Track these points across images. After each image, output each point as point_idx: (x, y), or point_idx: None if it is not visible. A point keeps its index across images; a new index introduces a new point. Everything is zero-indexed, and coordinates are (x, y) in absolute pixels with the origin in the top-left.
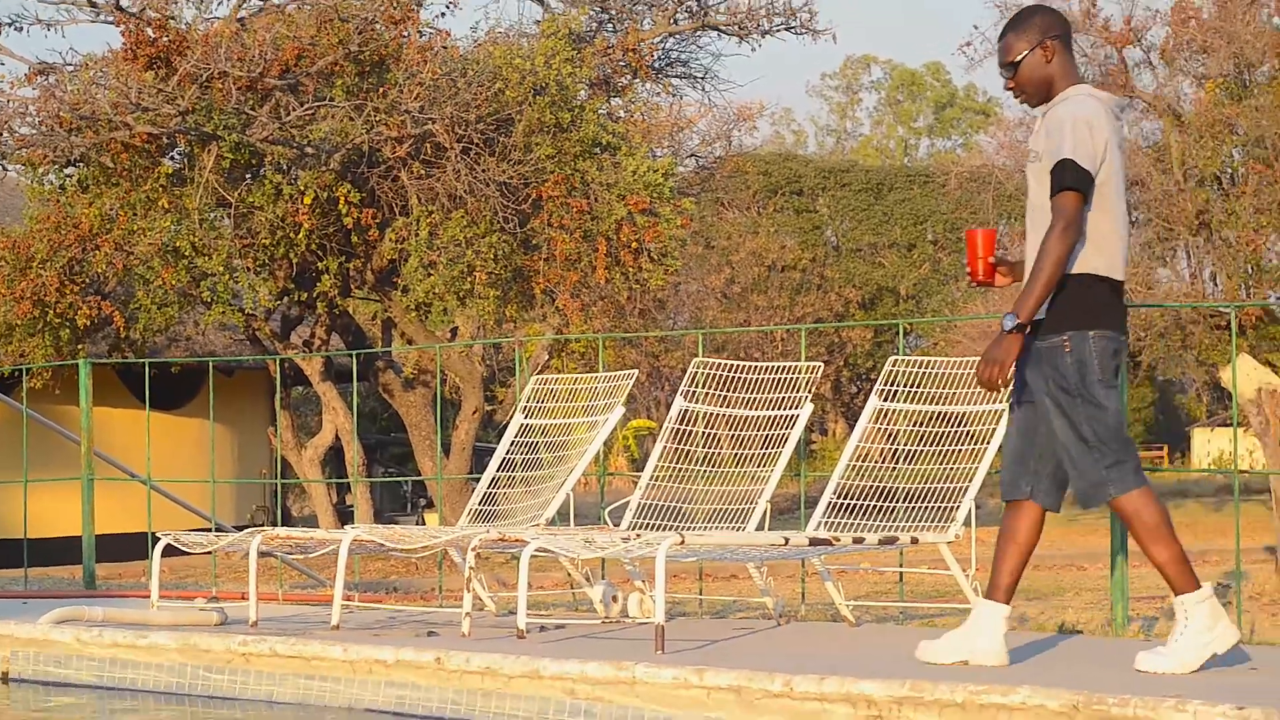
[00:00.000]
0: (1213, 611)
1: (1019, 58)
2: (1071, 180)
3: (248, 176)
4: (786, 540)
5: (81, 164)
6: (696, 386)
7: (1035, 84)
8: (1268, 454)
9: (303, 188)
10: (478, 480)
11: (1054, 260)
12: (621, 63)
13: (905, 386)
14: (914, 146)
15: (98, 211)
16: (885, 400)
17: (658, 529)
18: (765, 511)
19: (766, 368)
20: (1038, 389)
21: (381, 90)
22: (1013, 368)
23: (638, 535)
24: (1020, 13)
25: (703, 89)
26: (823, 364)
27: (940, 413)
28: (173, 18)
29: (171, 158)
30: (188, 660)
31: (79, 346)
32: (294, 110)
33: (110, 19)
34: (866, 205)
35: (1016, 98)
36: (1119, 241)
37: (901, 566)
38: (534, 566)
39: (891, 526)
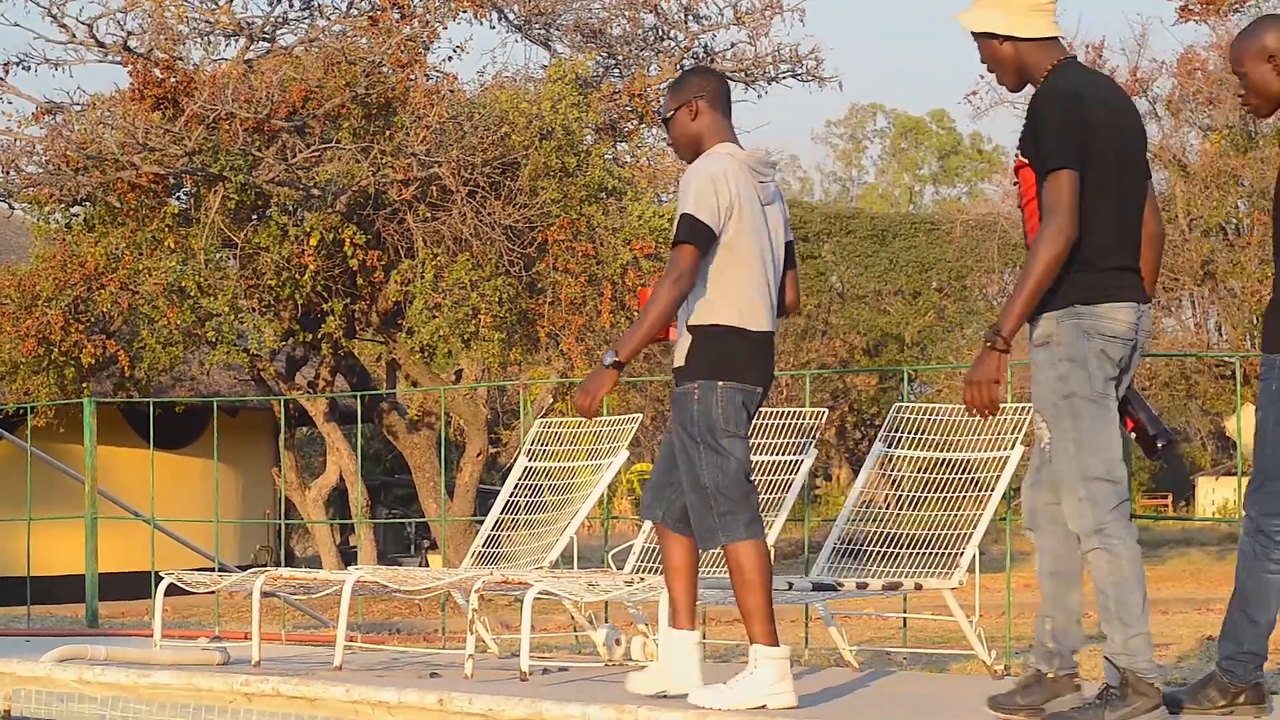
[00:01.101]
0: (781, 671)
1: (669, 115)
2: (685, 234)
3: (254, 217)
4: (791, 585)
5: (88, 203)
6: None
7: (684, 141)
8: None
9: (308, 229)
10: (481, 522)
11: (658, 308)
12: (628, 108)
13: (910, 433)
14: (919, 194)
15: (103, 250)
16: (890, 446)
17: (661, 572)
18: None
19: (771, 413)
20: (673, 428)
21: (388, 133)
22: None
23: (641, 579)
24: (680, 73)
25: None
26: (827, 410)
27: (945, 459)
28: (180, 59)
29: (178, 198)
30: (190, 700)
31: (83, 385)
32: (300, 152)
33: (118, 59)
34: (871, 252)
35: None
36: (756, 294)
37: (905, 612)
38: (537, 609)
39: (896, 572)
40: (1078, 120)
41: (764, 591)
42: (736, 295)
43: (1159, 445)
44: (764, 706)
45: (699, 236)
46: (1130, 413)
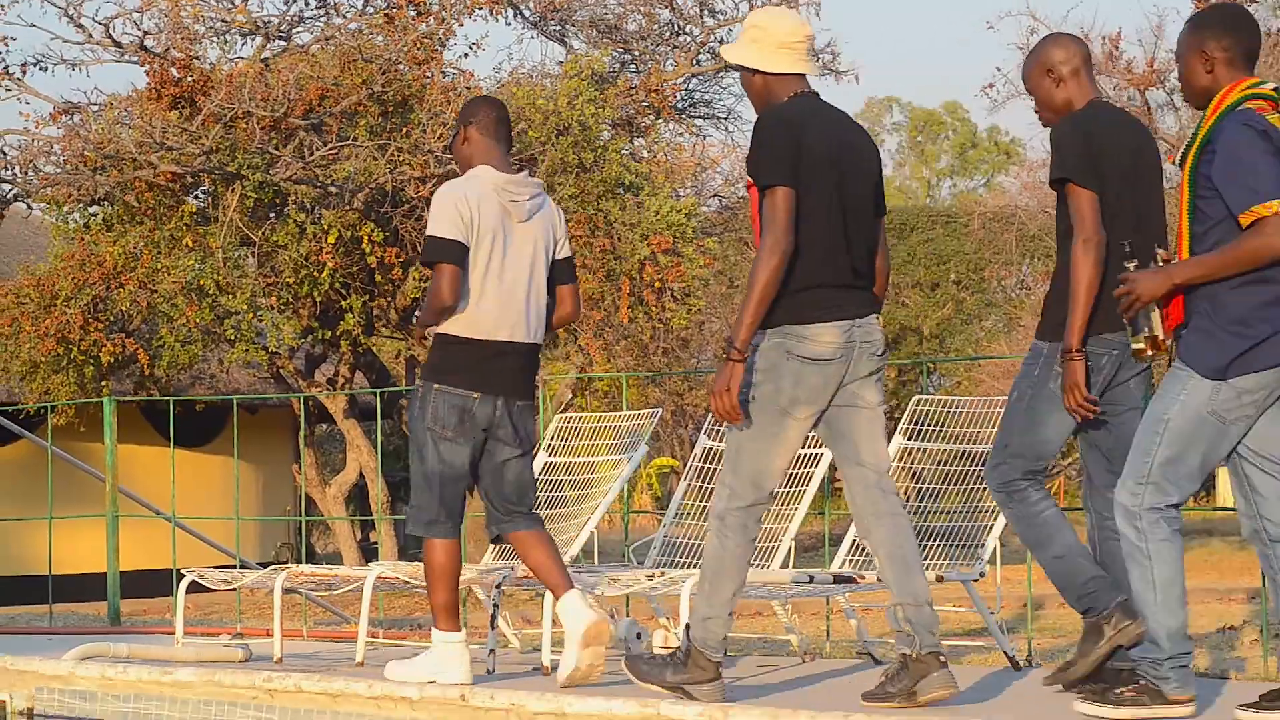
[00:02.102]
0: (458, 654)
1: (450, 139)
2: (426, 255)
3: (272, 215)
4: (811, 578)
5: (106, 202)
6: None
7: (458, 162)
8: None
9: (326, 227)
10: None
11: (430, 313)
12: (644, 103)
13: (930, 425)
14: (936, 186)
15: (122, 250)
16: (910, 439)
17: (682, 567)
18: (790, 549)
19: None
20: None
21: (405, 130)
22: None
23: (662, 573)
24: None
25: (726, 129)
26: None
27: (965, 451)
28: (197, 58)
29: (196, 196)
30: (213, 696)
31: (103, 384)
32: (318, 150)
33: (135, 59)
34: (889, 244)
35: None
36: (491, 306)
37: None
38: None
39: None
40: (793, 143)
41: (444, 584)
42: (467, 306)
43: None
44: (433, 681)
45: (438, 253)
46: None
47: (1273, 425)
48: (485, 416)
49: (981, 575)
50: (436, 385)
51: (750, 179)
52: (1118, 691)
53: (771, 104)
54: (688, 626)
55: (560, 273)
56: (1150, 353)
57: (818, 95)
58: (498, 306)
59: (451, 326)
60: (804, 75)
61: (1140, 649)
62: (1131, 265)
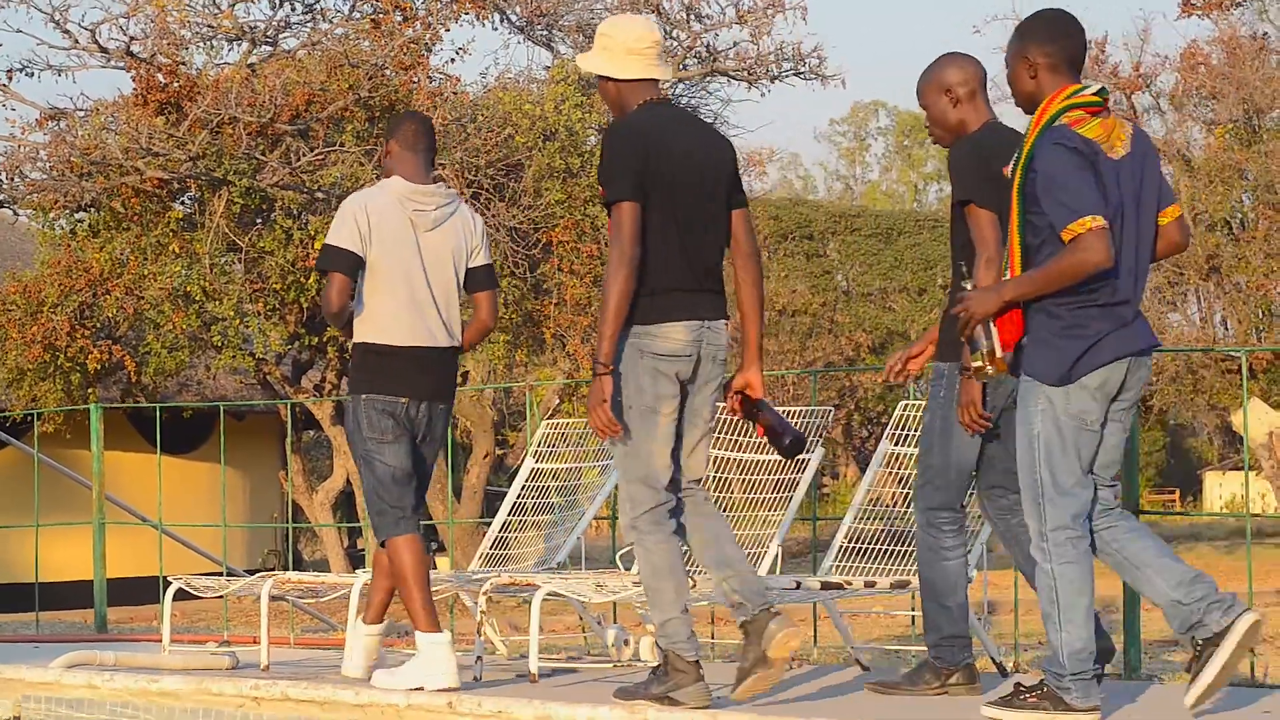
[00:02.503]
0: (444, 657)
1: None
2: (319, 262)
3: (258, 221)
4: (799, 584)
5: (92, 209)
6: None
7: (383, 175)
8: None
9: (313, 232)
10: (489, 524)
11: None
12: None
13: (916, 430)
14: (923, 191)
15: (108, 256)
16: (896, 444)
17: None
18: (777, 555)
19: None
20: None
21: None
22: None
23: None
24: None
25: None
26: (834, 408)
27: None
28: (183, 63)
29: (182, 202)
30: (200, 704)
31: (90, 390)
32: (304, 155)
33: (121, 64)
34: (876, 250)
35: None
36: (402, 312)
37: (914, 610)
38: (545, 610)
39: (904, 570)
40: (639, 155)
41: (418, 585)
42: (378, 314)
43: (788, 444)
44: (421, 688)
45: (331, 262)
46: (759, 418)
47: (1109, 429)
48: (414, 420)
49: (969, 581)
50: (365, 396)
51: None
52: (1022, 696)
53: (623, 113)
54: (655, 641)
55: (475, 280)
56: (990, 369)
57: (668, 101)
58: (410, 313)
59: (369, 336)
60: (655, 81)
61: (1046, 660)
62: (969, 285)
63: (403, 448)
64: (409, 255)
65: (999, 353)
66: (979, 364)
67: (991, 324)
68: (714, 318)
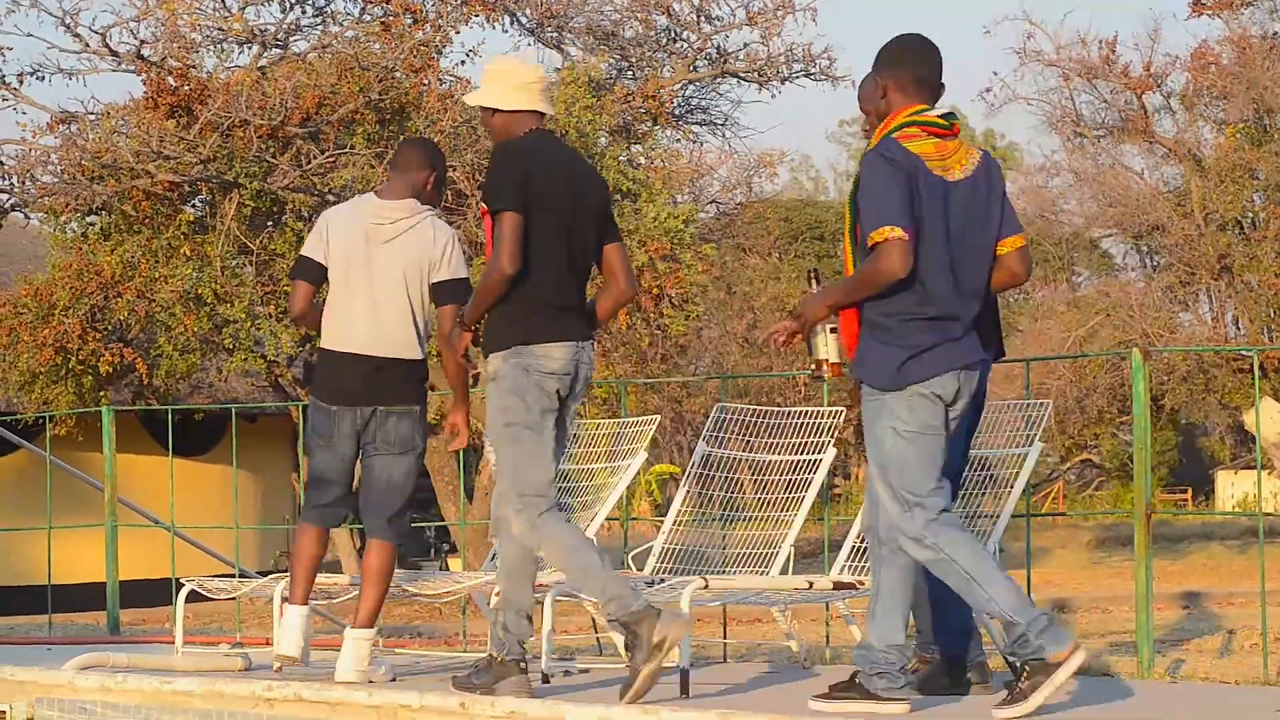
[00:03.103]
0: (293, 626)
1: None
2: (292, 271)
3: (269, 224)
4: (811, 584)
5: (103, 212)
6: (719, 431)
7: None
8: None
9: None
10: None
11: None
12: (642, 109)
13: None
14: None
15: (120, 259)
16: None
17: (681, 573)
18: (789, 555)
19: (789, 413)
20: None
21: (402, 138)
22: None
23: (661, 580)
24: None
25: (723, 135)
26: (844, 409)
27: None
28: (194, 66)
29: (193, 205)
30: (212, 706)
31: (102, 393)
32: (315, 158)
33: (132, 68)
34: None
35: None
36: (335, 320)
37: None
38: (558, 611)
39: None
40: (523, 172)
41: (299, 563)
42: (325, 321)
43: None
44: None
45: (299, 271)
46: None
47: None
48: (349, 427)
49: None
50: (310, 398)
51: (484, 205)
52: (840, 688)
53: (509, 138)
54: (606, 614)
55: (438, 294)
56: (824, 374)
57: (552, 133)
58: (363, 321)
59: (323, 340)
60: (540, 114)
61: (858, 654)
62: (814, 289)
63: (331, 453)
64: (356, 266)
65: (833, 358)
66: (813, 369)
67: (826, 329)
68: (587, 338)
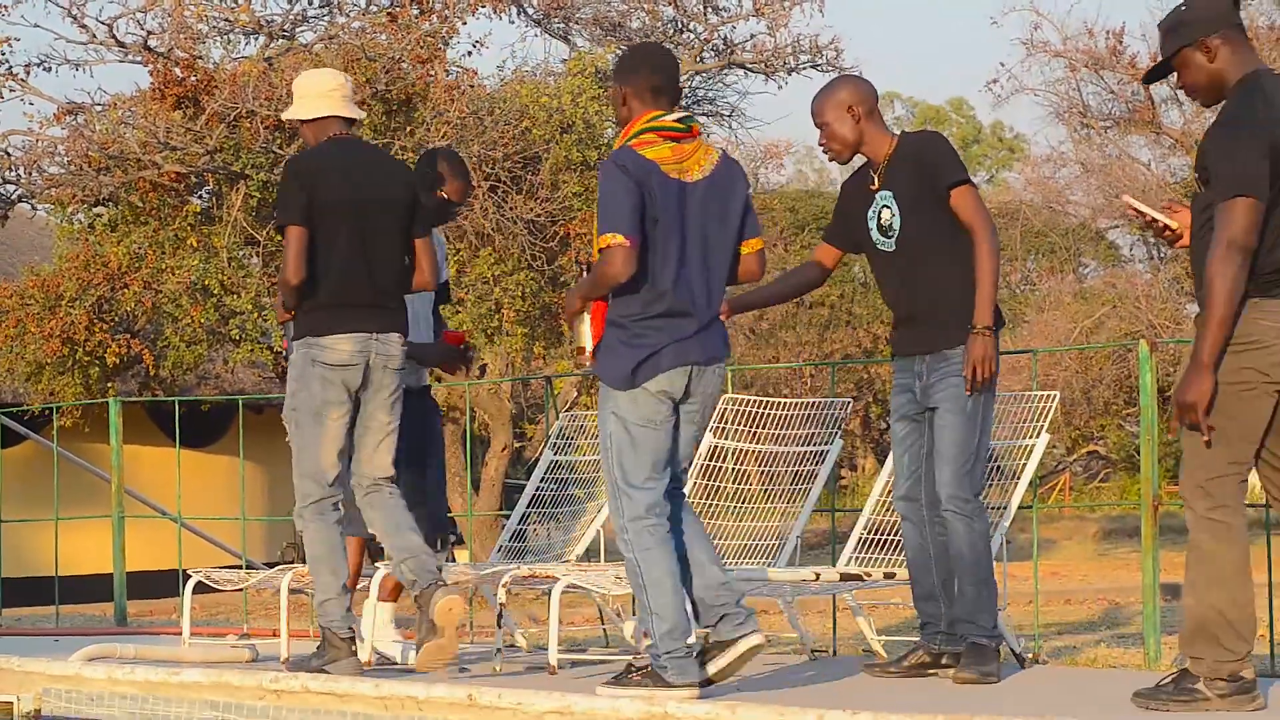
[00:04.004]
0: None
1: None
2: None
3: (276, 214)
4: (817, 576)
5: (110, 203)
6: (726, 423)
7: None
8: None
9: None
10: (508, 517)
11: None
12: None
13: None
14: None
15: (126, 250)
16: None
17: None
18: (796, 547)
19: (796, 404)
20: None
21: (409, 129)
22: None
23: None
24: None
25: (729, 127)
26: (852, 400)
27: None
28: (200, 57)
29: (200, 196)
30: (220, 697)
31: (108, 385)
32: None
33: (138, 59)
34: None
35: None
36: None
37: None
38: (565, 603)
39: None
40: (308, 185)
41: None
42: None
43: None
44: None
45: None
46: None
47: (680, 430)
48: None
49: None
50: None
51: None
52: (631, 675)
53: (308, 147)
54: (317, 619)
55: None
56: (585, 361)
57: (350, 139)
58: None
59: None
60: (341, 120)
61: (649, 644)
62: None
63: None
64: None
65: (589, 346)
66: (576, 354)
67: (585, 321)
68: (384, 330)
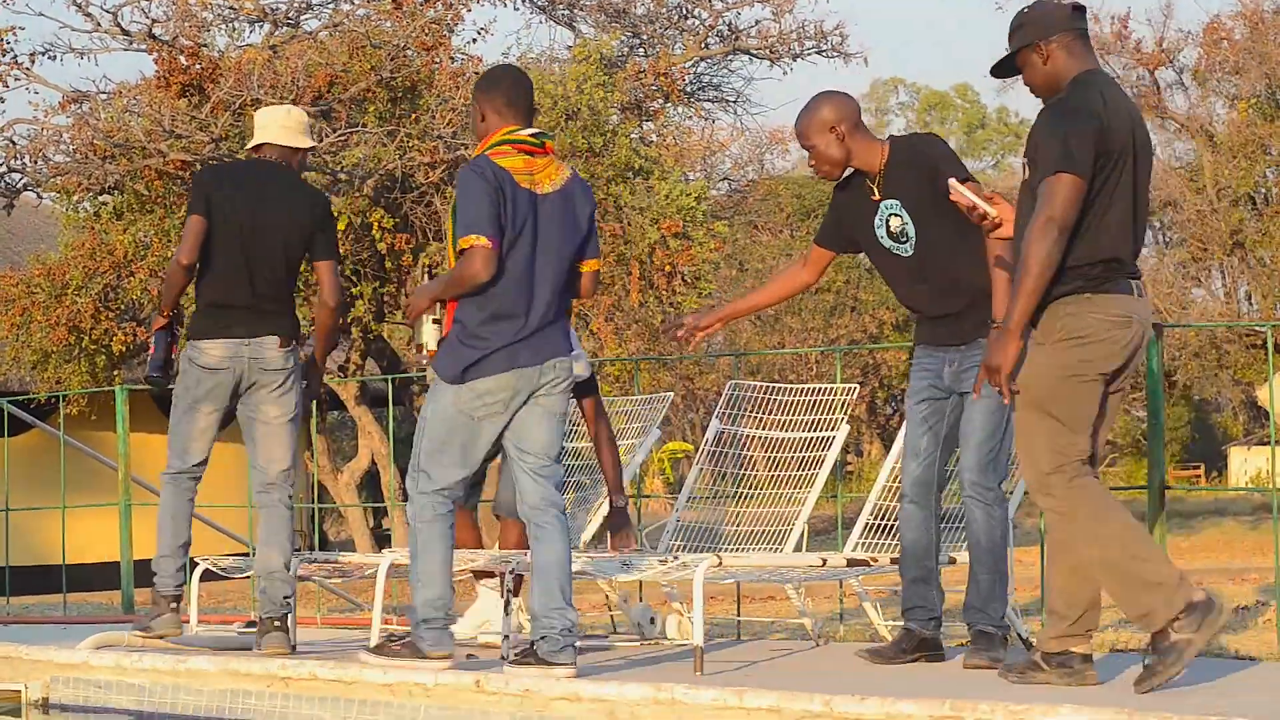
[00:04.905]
0: None
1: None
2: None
3: None
4: (824, 561)
5: (116, 191)
6: (732, 409)
7: None
8: None
9: (336, 213)
10: None
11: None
12: (653, 87)
13: None
14: None
15: (132, 238)
16: None
17: (695, 551)
18: (802, 533)
19: (801, 390)
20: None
21: (414, 116)
22: None
23: (675, 557)
24: None
25: (735, 112)
26: (858, 385)
27: None
28: (205, 45)
29: None
30: (227, 685)
31: (115, 372)
32: (327, 136)
33: (143, 47)
34: None
35: None
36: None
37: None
38: (573, 590)
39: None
40: (206, 186)
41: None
42: None
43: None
44: None
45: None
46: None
47: (534, 424)
48: None
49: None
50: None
51: None
52: (391, 645)
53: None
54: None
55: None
56: (424, 359)
57: (263, 162)
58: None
59: None
60: (280, 145)
61: (409, 611)
62: (426, 281)
63: None
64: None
65: (431, 345)
66: (416, 350)
67: (429, 319)
68: (258, 335)
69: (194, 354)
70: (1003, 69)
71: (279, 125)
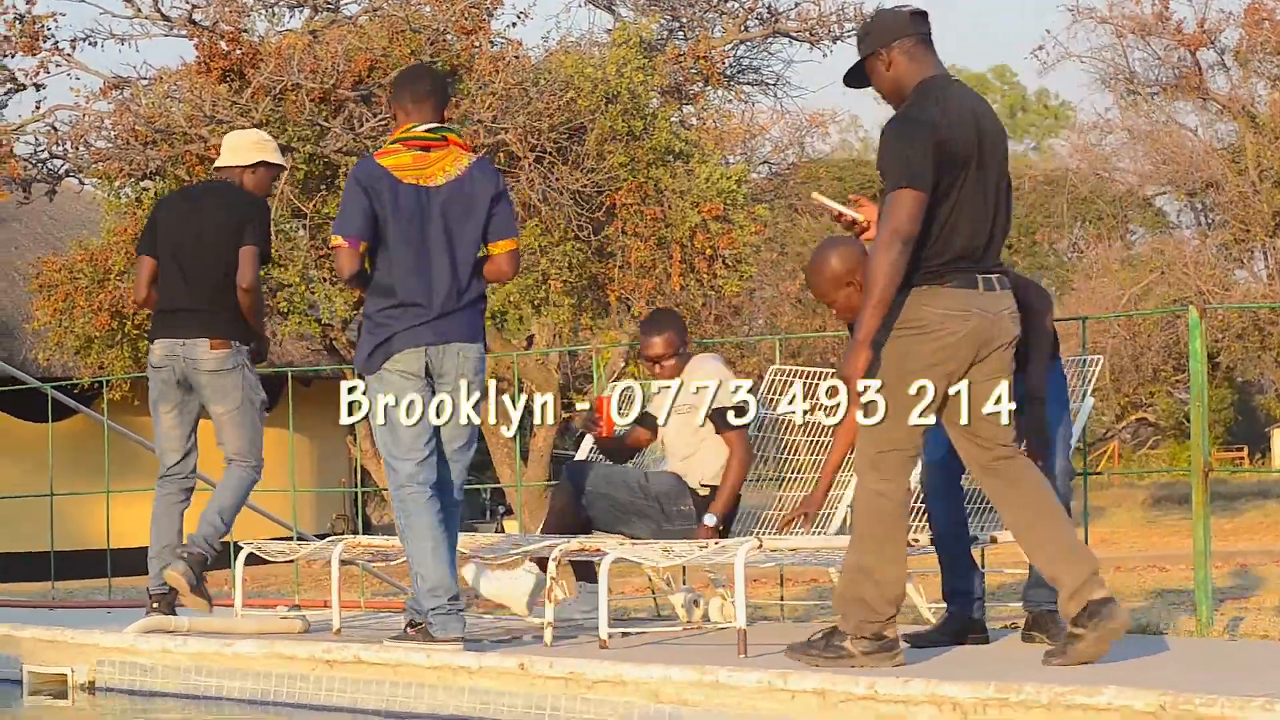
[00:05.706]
0: None
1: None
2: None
3: (322, 188)
4: None
5: (157, 176)
6: (773, 393)
7: None
8: None
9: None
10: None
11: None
12: (693, 70)
13: None
14: None
15: None
16: None
17: (737, 534)
18: (845, 516)
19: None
20: None
21: (454, 100)
22: None
23: (716, 541)
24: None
25: (775, 95)
26: None
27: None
28: (245, 30)
29: None
30: (272, 668)
31: None
32: (367, 121)
33: (183, 33)
34: None
35: None
36: None
37: (983, 567)
38: (614, 573)
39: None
40: (150, 219)
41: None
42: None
43: None
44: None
45: None
46: None
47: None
48: None
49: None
50: None
51: None
52: (408, 631)
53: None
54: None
55: None
56: None
57: (209, 183)
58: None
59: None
60: (240, 166)
61: (411, 600)
62: None
63: None
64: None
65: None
66: None
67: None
68: (191, 336)
69: (150, 356)
70: (854, 78)
71: (228, 148)
